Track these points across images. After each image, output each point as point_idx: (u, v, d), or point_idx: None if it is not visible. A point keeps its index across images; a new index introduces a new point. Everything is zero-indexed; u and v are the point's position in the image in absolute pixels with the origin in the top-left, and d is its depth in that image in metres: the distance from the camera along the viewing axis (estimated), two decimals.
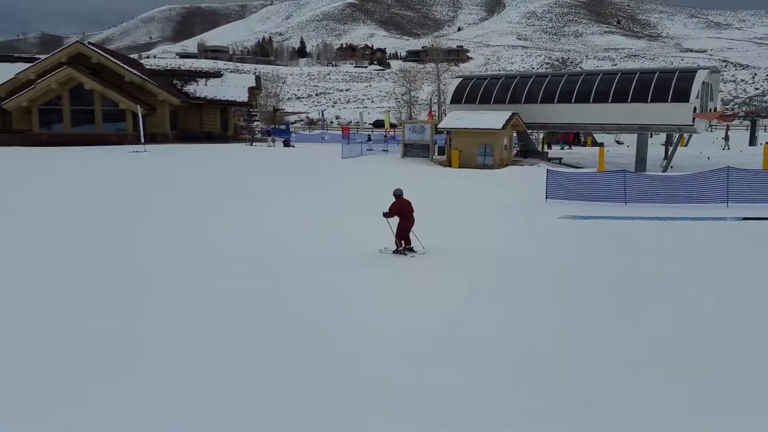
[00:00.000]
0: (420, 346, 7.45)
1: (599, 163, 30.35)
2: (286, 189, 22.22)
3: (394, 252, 12.13)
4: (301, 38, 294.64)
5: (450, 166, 32.72)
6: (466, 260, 11.81)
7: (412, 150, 36.39)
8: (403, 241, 12.13)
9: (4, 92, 39.85)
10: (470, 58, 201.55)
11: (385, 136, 49.37)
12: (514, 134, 36.32)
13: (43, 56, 47.01)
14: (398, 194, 12.22)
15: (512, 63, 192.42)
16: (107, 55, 43.74)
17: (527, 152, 38.26)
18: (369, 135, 51.80)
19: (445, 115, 40.19)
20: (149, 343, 7.54)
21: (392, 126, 60.39)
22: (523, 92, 35.58)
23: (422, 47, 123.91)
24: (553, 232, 15.04)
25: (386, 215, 12.07)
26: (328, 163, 32.12)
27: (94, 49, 43.67)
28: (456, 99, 37.56)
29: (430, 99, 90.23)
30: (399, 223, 12.04)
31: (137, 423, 5.62)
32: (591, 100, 33.19)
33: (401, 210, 12.03)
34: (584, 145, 55.60)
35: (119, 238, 13.39)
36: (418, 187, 23.03)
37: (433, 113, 68.96)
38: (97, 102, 40.37)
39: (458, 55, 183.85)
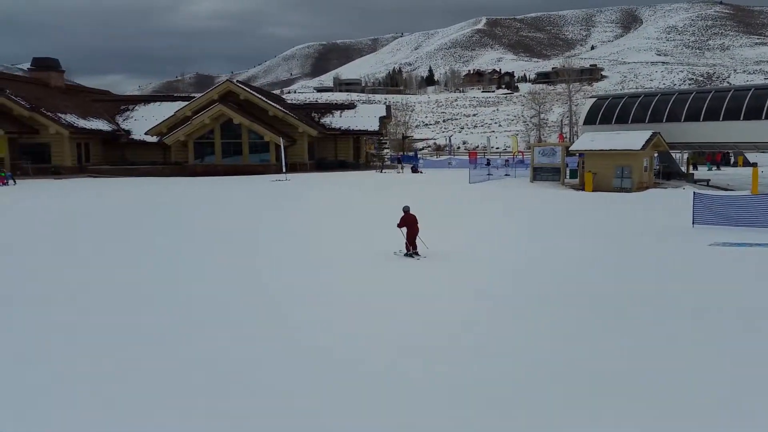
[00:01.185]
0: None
1: (753, 184, 27.77)
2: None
3: (405, 255, 14.32)
4: (430, 67, 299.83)
5: (583, 189, 31.55)
6: (625, 306, 10.19)
7: (542, 173, 35.60)
8: (411, 246, 14.33)
9: (165, 128, 44.56)
10: (604, 76, 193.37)
11: (504, 161, 48.78)
12: (655, 155, 34.30)
13: (197, 95, 52.07)
14: (406, 210, 14.58)
15: (651, 80, 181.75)
16: (253, 92, 47.53)
17: (670, 174, 35.91)
18: (488, 160, 51.24)
19: (577, 136, 38.90)
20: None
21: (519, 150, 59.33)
22: (665, 110, 33.57)
23: (552, 68, 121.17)
24: (704, 261, 13.93)
25: (399, 225, 14.49)
26: (455, 188, 32.26)
27: (242, 86, 47.64)
28: (590, 119, 36.28)
29: (561, 121, 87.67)
30: (408, 232, 14.38)
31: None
32: (742, 117, 30.56)
33: (409, 222, 14.36)
34: (735, 165, 51.08)
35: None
36: (552, 212, 22.46)
37: (564, 135, 66.88)
38: (244, 135, 43.89)
39: (591, 74, 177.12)
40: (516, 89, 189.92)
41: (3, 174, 35.66)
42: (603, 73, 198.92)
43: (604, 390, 6.80)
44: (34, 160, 42.31)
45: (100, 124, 47.14)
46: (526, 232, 18.23)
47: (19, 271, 13.26)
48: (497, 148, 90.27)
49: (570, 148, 34.45)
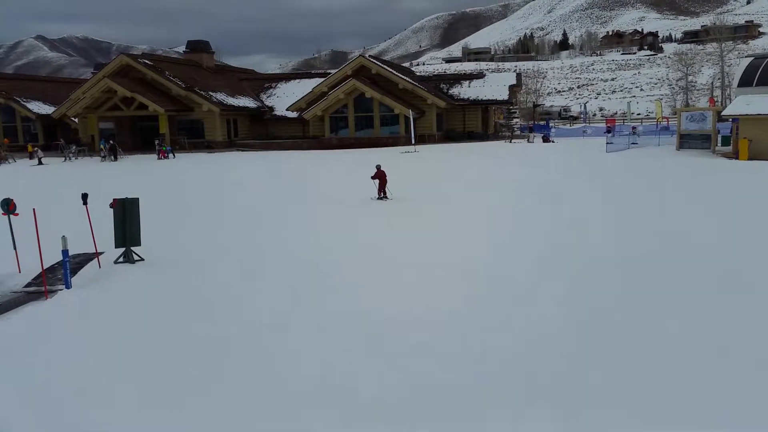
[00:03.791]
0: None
1: None
2: (550, 181, 22.37)
3: (378, 198, 19.13)
4: (564, 30, 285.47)
5: (737, 158, 29.14)
6: None
7: (689, 141, 33.31)
8: (382, 193, 19.27)
9: (304, 104, 47.04)
10: (763, 33, 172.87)
11: (632, 129, 45.84)
12: None
13: (333, 71, 54.20)
14: (378, 167, 19.29)
15: None
16: (384, 66, 48.64)
17: None
18: (608, 127, 48.26)
19: (730, 100, 35.74)
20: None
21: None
22: None
23: (702, 26, 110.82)
24: None
25: (372, 177, 19.24)
26: (590, 158, 31.19)
27: (374, 61, 48.90)
28: (745, 81, 33.14)
29: (711, 83, 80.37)
30: (379, 183, 19.21)
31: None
32: None
33: (380, 175, 19.17)
34: None
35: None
36: (700, 185, 21.01)
37: (715, 99, 61.45)
38: (375, 108, 45.20)
39: (747, 31, 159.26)
40: (660, 50, 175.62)
41: (164, 148, 39.76)
42: (761, 29, 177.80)
43: None
44: (189, 136, 46.61)
45: (247, 102, 50.73)
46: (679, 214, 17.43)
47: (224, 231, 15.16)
48: (638, 114, 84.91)
49: (722, 113, 31.84)
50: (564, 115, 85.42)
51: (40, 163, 38.05)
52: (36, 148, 40.93)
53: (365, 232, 14.73)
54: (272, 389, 6.58)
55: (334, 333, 8.15)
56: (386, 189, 19.24)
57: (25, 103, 51.62)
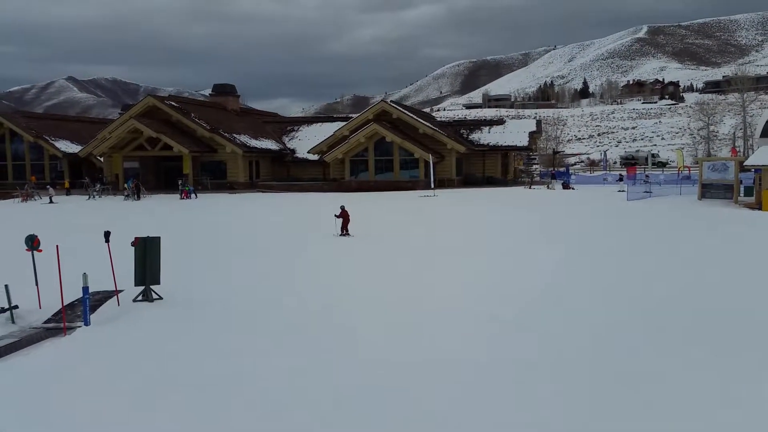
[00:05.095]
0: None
1: None
2: (571, 229, 22.24)
3: (340, 235, 20.85)
4: (584, 79, 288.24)
5: (760, 208, 28.75)
6: None
7: (711, 191, 33.01)
8: (344, 230, 21.11)
9: (326, 147, 47.72)
10: None
11: (645, 177, 45.57)
12: None
13: (354, 115, 55.11)
14: (342, 207, 21.32)
15: None
16: (405, 111, 49.41)
17: None
18: (620, 175, 47.99)
19: (752, 150, 35.53)
20: None
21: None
22: None
23: (723, 76, 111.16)
24: None
25: (337, 216, 21.21)
26: (610, 206, 30.98)
27: (395, 106, 49.70)
28: None
29: (734, 133, 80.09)
30: (342, 221, 21.13)
31: None
32: None
33: (344, 215, 21.16)
34: None
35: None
36: (721, 237, 20.65)
37: (737, 149, 61.12)
38: (395, 152, 45.68)
39: None
40: (681, 100, 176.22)
41: (187, 188, 40.39)
42: None
43: None
44: (212, 176, 47.37)
45: (269, 144, 51.61)
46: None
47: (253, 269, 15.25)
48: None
49: (745, 163, 31.61)
50: (654, 161, 79.27)
51: (51, 201, 38.68)
52: (48, 186, 41.62)
53: (388, 283, 14.66)
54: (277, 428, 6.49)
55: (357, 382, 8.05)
56: (347, 227, 21.40)
57: (53, 142, 53.07)
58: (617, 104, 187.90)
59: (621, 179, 43.90)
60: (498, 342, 9.42)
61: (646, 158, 77.44)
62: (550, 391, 7.47)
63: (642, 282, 13.33)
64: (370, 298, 12.39)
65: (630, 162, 71.57)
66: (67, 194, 43.94)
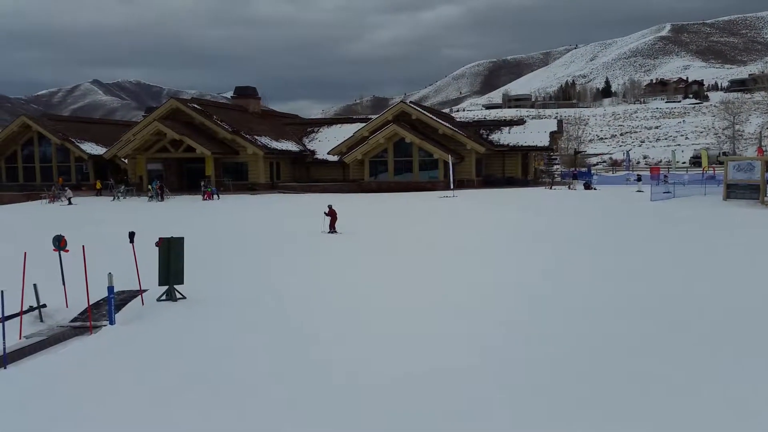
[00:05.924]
0: None
1: None
2: (594, 231, 22.08)
3: (328, 233, 21.97)
4: (606, 78, 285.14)
5: None
6: None
7: (736, 191, 32.45)
8: (332, 228, 22.25)
9: (345, 148, 47.88)
10: None
11: (663, 177, 44.84)
12: None
13: (374, 116, 55.20)
14: (330, 206, 22.55)
15: None
16: (424, 111, 49.34)
17: None
18: (638, 175, 47.25)
19: None
20: None
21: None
22: None
23: (749, 75, 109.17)
24: None
25: (326, 214, 22.38)
26: (633, 206, 30.65)
27: (414, 106, 49.67)
28: None
29: (760, 132, 78.62)
30: (330, 220, 22.28)
31: None
32: None
33: (332, 213, 22.31)
34: None
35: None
36: (749, 238, 20.24)
37: (764, 148, 60.02)
38: (415, 153, 45.67)
39: None
40: (705, 98, 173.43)
41: (210, 189, 40.84)
42: None
43: None
44: (234, 178, 47.81)
45: (290, 145, 51.94)
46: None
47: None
48: (683, 163, 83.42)
49: None
50: (723, 160, 71.39)
51: (69, 203, 39.35)
52: (66, 188, 42.23)
53: (403, 286, 14.71)
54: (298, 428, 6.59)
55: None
56: (335, 225, 22.44)
57: (79, 144, 54.02)
58: (640, 103, 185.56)
59: (639, 179, 43.30)
60: (515, 345, 9.42)
61: (717, 156, 72.65)
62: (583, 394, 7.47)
63: (681, 288, 13.19)
64: (392, 301, 12.45)
65: (698, 161, 66.11)
66: (97, 195, 44.86)
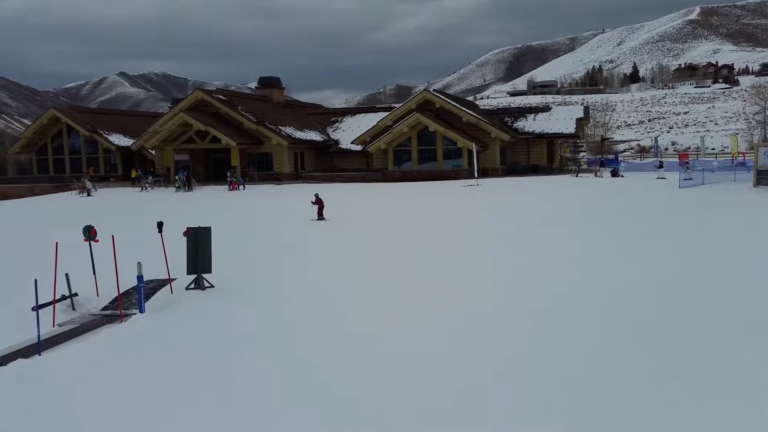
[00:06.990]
0: None
1: None
2: (621, 219, 21.76)
3: (317, 220, 23.00)
4: (634, 63, 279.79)
5: None
6: None
7: (767, 177, 31.70)
8: (320, 216, 23.24)
9: (368, 137, 47.86)
10: None
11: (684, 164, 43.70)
12: None
13: (397, 105, 55.02)
14: (317, 195, 23.47)
15: None
16: (448, 99, 49.03)
17: None
18: (660, 162, 45.99)
19: None
20: None
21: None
22: None
23: None
24: None
25: (313, 203, 23.39)
26: (662, 194, 30.12)
27: (437, 95, 49.40)
28: None
29: None
30: (318, 208, 23.28)
31: None
32: None
33: (319, 202, 23.28)
34: None
35: None
36: None
37: None
38: (438, 141, 45.47)
39: None
40: (736, 83, 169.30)
41: (235, 179, 41.21)
42: None
43: None
44: (258, 168, 48.16)
45: (314, 135, 52.10)
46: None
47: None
48: (713, 149, 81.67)
49: None
50: None
51: (88, 194, 39.91)
52: (84, 180, 42.62)
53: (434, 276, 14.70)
54: (326, 423, 6.64)
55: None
56: (323, 213, 23.43)
57: (106, 136, 54.88)
58: (668, 89, 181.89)
59: (661, 166, 42.42)
60: (537, 336, 9.37)
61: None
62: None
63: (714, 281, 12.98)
64: (419, 292, 12.45)
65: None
66: (133, 184, 46.28)
